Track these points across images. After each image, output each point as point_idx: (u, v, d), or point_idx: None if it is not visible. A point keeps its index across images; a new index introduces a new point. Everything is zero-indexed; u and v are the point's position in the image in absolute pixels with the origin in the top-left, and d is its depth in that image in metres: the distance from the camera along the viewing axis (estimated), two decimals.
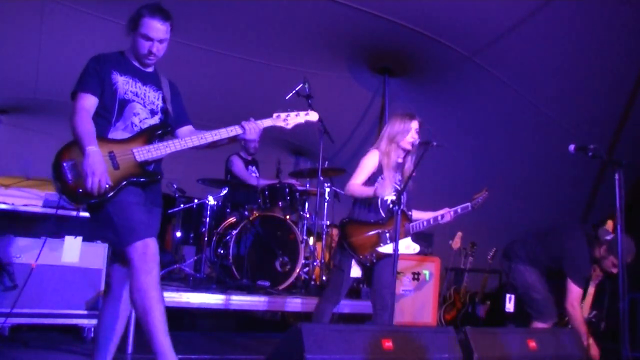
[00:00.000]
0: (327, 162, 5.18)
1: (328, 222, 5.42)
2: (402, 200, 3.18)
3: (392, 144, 3.31)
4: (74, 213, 4.21)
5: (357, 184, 3.27)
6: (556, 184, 6.43)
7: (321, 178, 5.10)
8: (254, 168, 5.70)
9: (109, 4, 4.90)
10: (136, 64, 2.62)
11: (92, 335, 3.93)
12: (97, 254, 4.01)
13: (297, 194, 5.17)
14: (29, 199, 4.44)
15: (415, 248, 3.33)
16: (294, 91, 4.83)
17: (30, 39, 5.31)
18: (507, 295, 4.60)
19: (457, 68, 5.52)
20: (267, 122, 2.70)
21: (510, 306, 4.56)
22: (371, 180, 3.32)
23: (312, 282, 5.05)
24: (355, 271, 3.25)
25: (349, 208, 3.42)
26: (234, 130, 2.62)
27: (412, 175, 3.27)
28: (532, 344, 3.11)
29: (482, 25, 4.88)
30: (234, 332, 5.23)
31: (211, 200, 5.06)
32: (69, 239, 3.82)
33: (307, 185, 5.50)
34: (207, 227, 4.99)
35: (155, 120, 2.61)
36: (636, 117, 5.39)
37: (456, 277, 6.50)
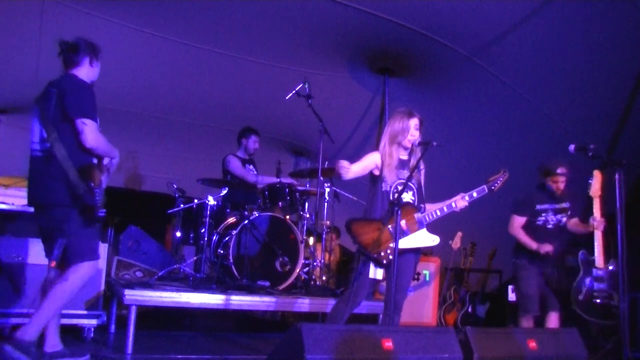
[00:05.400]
0: (327, 162, 5.17)
1: (328, 223, 5.42)
2: (402, 198, 3.17)
3: (393, 144, 3.31)
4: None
5: (353, 166, 3.23)
6: None
7: (321, 178, 5.09)
8: (251, 167, 5.69)
9: (109, 4, 4.89)
10: None
11: (92, 335, 3.93)
12: None
13: (297, 194, 5.17)
14: None
15: (434, 239, 3.25)
16: (294, 91, 4.83)
17: (30, 39, 5.31)
18: (510, 287, 4.72)
19: (457, 68, 5.51)
20: None
21: (513, 296, 4.75)
22: (372, 180, 3.35)
23: (312, 282, 5.05)
24: (375, 272, 3.16)
25: (353, 208, 3.39)
26: None
27: (412, 175, 3.26)
28: (532, 344, 3.11)
29: (482, 25, 4.87)
30: (234, 332, 5.23)
31: (211, 200, 5.06)
32: None
33: (307, 185, 5.49)
34: (207, 227, 4.99)
35: None
36: (636, 117, 5.38)
37: (456, 277, 6.50)
